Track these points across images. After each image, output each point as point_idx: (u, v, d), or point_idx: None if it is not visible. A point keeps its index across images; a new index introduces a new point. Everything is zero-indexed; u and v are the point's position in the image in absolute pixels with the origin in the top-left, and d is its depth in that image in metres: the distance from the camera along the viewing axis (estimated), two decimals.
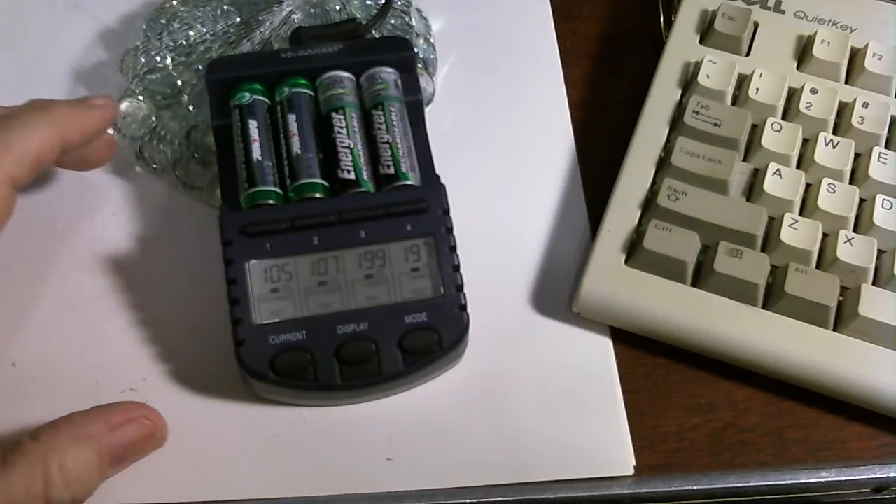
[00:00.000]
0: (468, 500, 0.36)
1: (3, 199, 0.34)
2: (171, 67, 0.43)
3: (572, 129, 0.45)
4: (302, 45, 0.41)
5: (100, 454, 0.33)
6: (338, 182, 0.38)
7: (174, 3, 0.45)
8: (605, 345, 0.40)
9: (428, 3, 0.47)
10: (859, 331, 0.38)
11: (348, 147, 0.38)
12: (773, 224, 0.40)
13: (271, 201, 0.38)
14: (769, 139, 0.42)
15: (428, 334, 0.36)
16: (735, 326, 0.38)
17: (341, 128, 0.39)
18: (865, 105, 0.43)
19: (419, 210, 0.37)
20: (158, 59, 0.43)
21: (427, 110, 0.42)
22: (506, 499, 0.37)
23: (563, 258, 0.41)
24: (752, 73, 0.43)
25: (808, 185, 0.41)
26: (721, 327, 0.38)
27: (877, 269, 0.39)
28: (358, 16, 0.44)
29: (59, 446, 0.32)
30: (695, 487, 0.37)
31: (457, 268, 0.37)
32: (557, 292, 0.41)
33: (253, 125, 0.39)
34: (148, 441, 0.35)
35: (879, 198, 0.40)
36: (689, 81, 0.44)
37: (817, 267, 0.39)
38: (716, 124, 0.42)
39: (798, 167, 0.42)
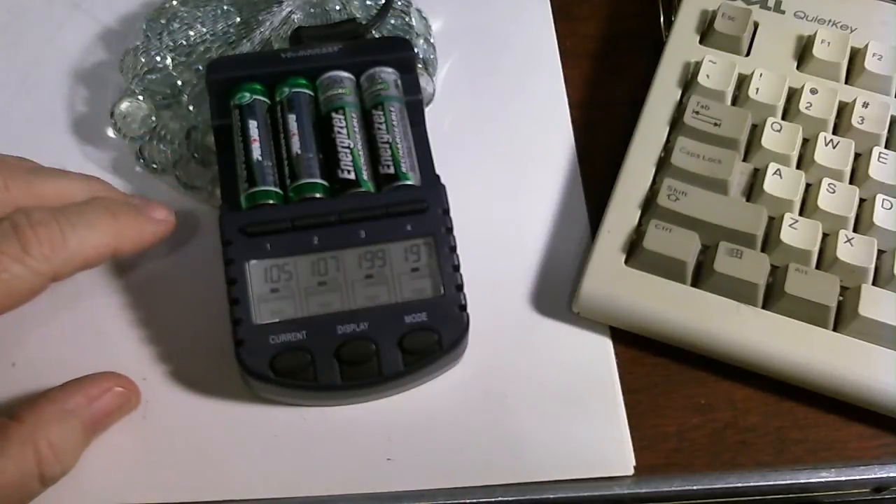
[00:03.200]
0: (468, 500, 0.36)
1: (36, 290, 0.34)
2: (171, 67, 0.43)
3: (572, 129, 0.45)
4: (302, 45, 0.41)
5: (83, 426, 0.34)
6: (338, 182, 0.38)
7: (174, 3, 0.45)
8: (605, 345, 0.40)
9: (428, 3, 0.47)
10: (859, 331, 0.38)
11: (348, 147, 0.38)
12: (773, 224, 0.40)
13: (271, 201, 0.38)
14: (769, 139, 0.42)
15: (428, 334, 0.36)
16: (735, 326, 0.38)
17: (341, 128, 0.39)
18: (865, 105, 0.43)
19: (419, 210, 0.37)
20: (158, 59, 0.43)
21: (427, 110, 0.42)
22: (506, 499, 0.37)
23: (563, 258, 0.41)
24: (752, 73, 0.43)
25: (808, 185, 0.41)
26: (721, 327, 0.38)
27: (877, 269, 0.39)
28: (358, 16, 0.44)
29: (44, 424, 0.33)
30: (695, 487, 0.37)
31: (457, 268, 0.37)
32: (557, 292, 0.41)
33: (253, 125, 0.39)
34: (123, 408, 0.36)
35: (879, 198, 0.40)
36: (689, 81, 0.44)
37: (817, 267, 0.39)
38: (716, 124, 0.42)
39: (798, 167, 0.42)
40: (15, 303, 0.33)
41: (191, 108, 0.42)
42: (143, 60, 0.43)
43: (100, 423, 0.35)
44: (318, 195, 0.38)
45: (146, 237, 0.37)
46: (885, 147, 0.42)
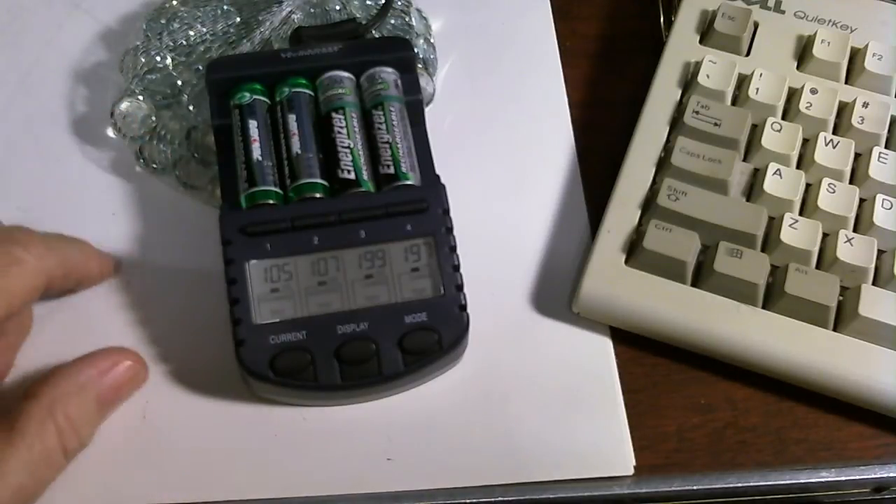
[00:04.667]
0: (468, 500, 0.36)
1: (36, 291, 0.35)
2: (171, 67, 0.43)
3: (572, 129, 0.45)
4: (302, 45, 0.41)
5: (97, 399, 0.35)
6: (338, 182, 0.38)
7: (174, 3, 0.45)
8: (605, 345, 0.40)
9: (428, 3, 0.47)
10: (859, 331, 0.38)
11: (348, 147, 0.38)
12: (773, 224, 0.40)
13: (271, 201, 0.38)
14: (769, 139, 0.42)
15: (428, 334, 0.36)
16: (735, 326, 0.38)
17: (341, 128, 0.39)
18: (865, 105, 0.43)
19: (419, 210, 0.37)
20: (158, 59, 0.43)
21: (427, 110, 0.42)
22: (506, 499, 0.37)
23: (563, 258, 0.41)
24: (752, 73, 0.43)
25: (808, 185, 0.41)
26: (721, 327, 0.38)
27: (877, 269, 0.39)
28: (358, 16, 0.44)
29: (60, 398, 0.33)
30: (695, 487, 0.37)
31: (457, 268, 0.37)
32: (557, 292, 0.41)
33: (253, 125, 0.39)
34: (133, 381, 0.37)
35: (879, 198, 0.40)
36: (689, 81, 0.44)
37: (817, 267, 0.39)
38: (716, 124, 0.42)
39: (798, 167, 0.42)
40: (23, 301, 0.35)
41: (191, 108, 0.42)
42: (143, 60, 0.43)
43: (112, 396, 0.36)
44: (318, 195, 0.38)
45: (94, 264, 0.39)
46: (885, 147, 0.42)
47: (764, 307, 0.39)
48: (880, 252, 0.40)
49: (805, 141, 0.42)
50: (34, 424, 0.33)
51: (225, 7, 0.44)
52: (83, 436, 0.34)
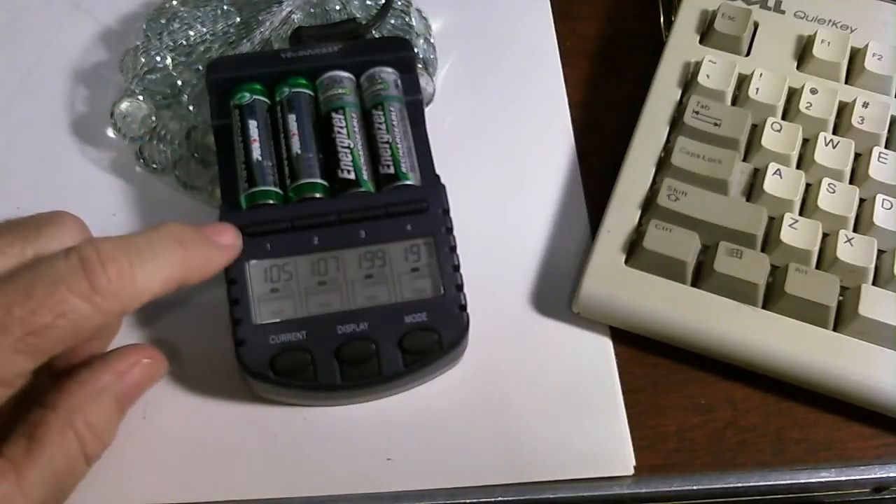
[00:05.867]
0: (468, 500, 0.36)
1: (101, 327, 0.33)
2: (171, 67, 0.43)
3: (572, 129, 0.45)
4: (302, 45, 0.41)
5: (117, 401, 0.34)
6: (338, 182, 0.38)
7: (174, 3, 0.45)
8: (605, 345, 0.40)
9: (428, 3, 0.47)
10: (859, 331, 0.38)
11: (348, 147, 0.38)
12: (773, 224, 0.40)
13: (271, 201, 0.38)
14: (769, 139, 0.42)
15: (428, 334, 0.36)
16: (735, 326, 0.38)
17: (341, 128, 0.39)
18: (865, 105, 0.43)
19: (419, 210, 0.37)
20: (158, 59, 0.43)
21: (427, 110, 0.42)
22: (506, 499, 0.37)
23: (563, 258, 0.41)
24: (752, 73, 0.43)
25: (808, 185, 0.41)
26: (721, 327, 0.38)
27: (877, 269, 0.39)
28: (358, 16, 0.44)
29: (79, 407, 0.32)
30: (695, 487, 0.37)
31: (457, 268, 0.37)
32: (557, 292, 0.41)
33: (253, 125, 0.39)
34: (152, 378, 0.36)
35: (879, 198, 0.40)
36: (689, 81, 0.44)
37: (817, 267, 0.39)
38: (716, 124, 0.42)
39: (798, 167, 0.42)
40: (80, 340, 0.32)
41: (191, 108, 0.42)
42: (143, 60, 0.43)
43: (131, 395, 0.35)
44: (318, 195, 0.38)
45: (213, 266, 0.35)
46: (885, 147, 0.42)
47: (764, 307, 0.39)
48: (880, 252, 0.40)
49: (805, 141, 0.42)
50: (54, 436, 0.31)
51: (225, 7, 0.44)
52: (105, 439, 0.33)
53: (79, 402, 0.33)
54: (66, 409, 0.32)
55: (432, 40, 0.46)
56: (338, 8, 0.44)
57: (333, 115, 0.39)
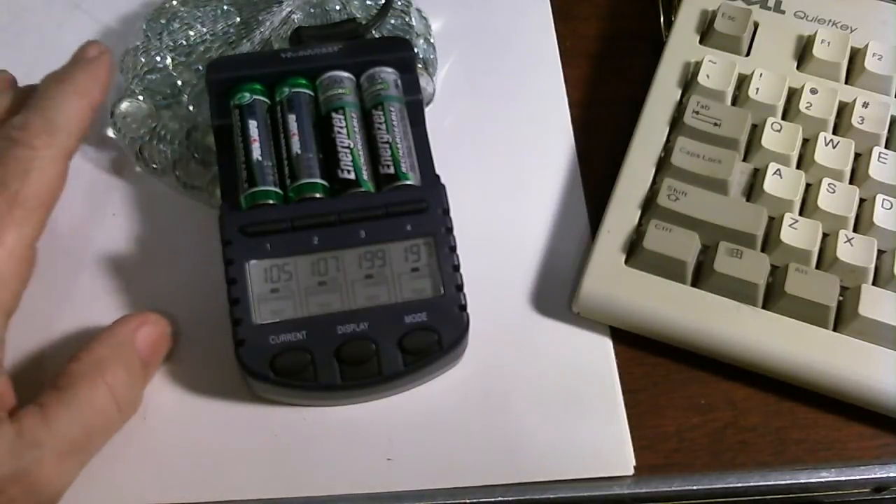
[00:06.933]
0: (468, 500, 0.36)
1: (62, 172, 0.37)
2: (171, 67, 0.43)
3: (572, 129, 0.45)
4: (302, 45, 0.41)
5: (138, 354, 0.36)
6: (338, 182, 0.38)
7: (174, 3, 0.45)
8: (605, 345, 0.40)
9: (428, 3, 0.47)
10: (859, 331, 0.38)
11: (348, 147, 0.38)
12: (773, 224, 0.40)
13: (271, 201, 0.38)
14: (769, 139, 0.42)
15: (428, 334, 0.36)
16: (735, 326, 0.38)
17: (341, 128, 0.39)
18: (865, 105, 0.43)
19: (419, 210, 0.37)
20: (158, 59, 0.43)
21: (427, 110, 0.42)
22: (506, 499, 0.37)
23: (563, 258, 0.41)
24: (752, 73, 0.43)
25: (808, 185, 0.41)
26: (721, 327, 0.38)
27: (877, 269, 0.39)
28: (358, 16, 0.44)
29: (104, 359, 0.34)
30: (695, 487, 0.37)
31: (457, 268, 0.37)
32: (557, 292, 0.41)
33: (253, 125, 0.39)
34: (164, 339, 0.37)
35: (879, 198, 0.40)
36: (689, 81, 0.44)
37: (817, 267, 0.39)
38: (716, 124, 0.42)
39: (798, 167, 0.42)
40: (55, 190, 0.37)
41: (191, 108, 0.42)
42: (143, 60, 0.43)
43: (149, 353, 0.36)
44: (318, 195, 0.38)
45: (103, 76, 0.40)
46: (885, 147, 0.42)
47: (764, 307, 0.39)
48: (880, 252, 0.40)
49: (805, 141, 0.42)
50: (84, 389, 0.33)
51: (225, 7, 0.44)
52: (133, 394, 0.35)
53: (103, 354, 0.35)
54: (90, 360, 0.34)
55: (432, 40, 0.46)
56: (338, 8, 0.44)
57: (333, 115, 0.39)
